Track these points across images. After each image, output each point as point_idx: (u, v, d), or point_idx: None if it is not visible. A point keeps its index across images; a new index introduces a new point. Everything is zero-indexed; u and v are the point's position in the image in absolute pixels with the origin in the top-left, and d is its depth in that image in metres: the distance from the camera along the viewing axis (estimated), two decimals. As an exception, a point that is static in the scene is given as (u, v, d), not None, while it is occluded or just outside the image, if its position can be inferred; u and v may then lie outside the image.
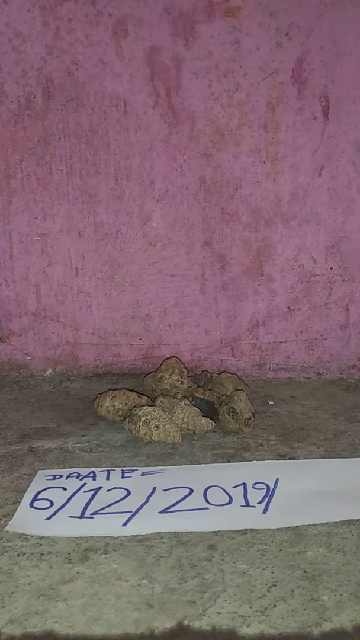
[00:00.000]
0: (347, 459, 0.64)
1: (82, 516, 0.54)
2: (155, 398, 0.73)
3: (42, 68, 0.82)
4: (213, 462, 0.64)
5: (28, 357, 0.90)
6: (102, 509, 0.55)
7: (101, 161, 0.84)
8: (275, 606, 0.43)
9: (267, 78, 0.82)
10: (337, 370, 0.89)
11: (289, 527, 0.52)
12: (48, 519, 0.54)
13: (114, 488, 0.58)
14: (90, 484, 0.59)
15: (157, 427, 0.67)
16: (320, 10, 0.80)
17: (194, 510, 0.55)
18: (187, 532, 0.51)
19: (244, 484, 0.59)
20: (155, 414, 0.67)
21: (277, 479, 0.59)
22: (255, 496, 0.57)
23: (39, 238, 0.86)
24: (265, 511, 0.54)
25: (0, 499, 0.57)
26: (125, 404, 0.72)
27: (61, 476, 0.61)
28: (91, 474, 0.61)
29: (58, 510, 0.55)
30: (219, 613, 0.42)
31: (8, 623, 0.42)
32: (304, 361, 0.89)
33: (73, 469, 0.62)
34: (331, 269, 0.86)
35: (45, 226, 0.86)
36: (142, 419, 0.67)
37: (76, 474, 0.61)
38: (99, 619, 0.42)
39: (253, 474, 0.61)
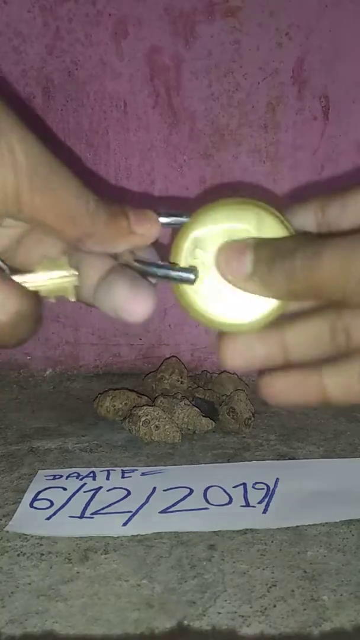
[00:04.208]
0: (347, 459, 0.64)
1: (82, 516, 0.54)
2: (155, 398, 0.73)
3: (42, 68, 0.82)
4: (213, 462, 0.64)
5: (28, 357, 0.90)
6: (102, 509, 0.55)
7: (101, 161, 0.84)
8: (275, 606, 0.43)
9: (267, 78, 0.82)
10: (337, 370, 0.89)
11: (289, 527, 0.52)
12: (48, 519, 0.54)
13: (114, 488, 0.58)
14: (90, 484, 0.59)
15: (157, 427, 0.67)
16: (320, 10, 0.80)
17: (194, 510, 0.55)
18: (187, 532, 0.51)
19: (244, 484, 0.59)
20: (155, 414, 0.67)
21: (277, 479, 0.59)
22: (255, 496, 0.57)
23: (39, 238, 0.86)
24: (265, 511, 0.54)
25: (0, 499, 0.57)
26: (125, 404, 0.72)
27: (61, 476, 0.61)
28: (91, 474, 0.61)
29: (58, 510, 0.55)
30: (219, 613, 0.42)
31: (8, 623, 0.42)
32: (304, 361, 0.89)
33: (73, 469, 0.62)
34: (331, 269, 0.86)
35: (45, 226, 0.85)
36: (142, 419, 0.67)
37: (76, 474, 0.61)
38: (99, 619, 0.42)
39: (253, 474, 0.61)
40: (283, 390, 0.31)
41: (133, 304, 0.29)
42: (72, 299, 0.31)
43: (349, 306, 0.29)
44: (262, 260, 0.30)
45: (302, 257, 0.28)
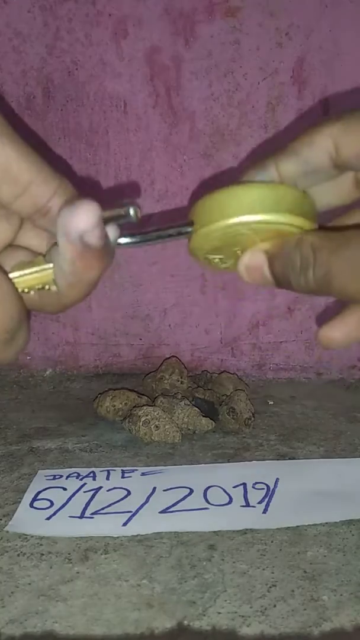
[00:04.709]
0: (347, 459, 0.64)
1: (82, 516, 0.54)
2: (155, 398, 0.73)
3: (42, 68, 0.82)
4: (213, 462, 0.64)
5: (28, 357, 0.90)
6: (102, 509, 0.55)
7: (101, 161, 0.84)
8: (275, 606, 0.43)
9: (267, 78, 0.82)
10: (337, 371, 0.89)
11: (289, 527, 0.52)
12: (48, 519, 0.54)
13: (114, 488, 0.58)
14: (90, 484, 0.59)
15: (157, 427, 0.67)
16: (320, 10, 0.80)
17: (194, 510, 0.55)
18: (187, 532, 0.51)
19: (244, 484, 0.59)
20: (155, 414, 0.67)
21: (277, 479, 0.59)
22: (255, 496, 0.57)
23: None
24: (265, 511, 0.54)
25: (0, 499, 0.57)
26: (125, 404, 0.72)
27: (61, 476, 0.61)
28: (91, 474, 0.61)
29: (58, 510, 0.55)
30: (219, 613, 0.42)
31: (8, 623, 0.42)
32: (304, 361, 0.89)
33: (73, 469, 0.62)
34: (331, 269, 0.86)
35: (45, 226, 0.85)
36: (142, 419, 0.67)
37: (76, 474, 0.61)
38: (99, 619, 0.42)
39: (253, 474, 0.61)
40: (342, 333, 0.34)
41: (76, 214, 0.30)
42: (54, 289, 0.32)
43: None
44: (278, 276, 0.33)
45: (313, 275, 0.31)
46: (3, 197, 0.31)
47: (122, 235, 0.32)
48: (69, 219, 0.30)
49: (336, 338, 0.34)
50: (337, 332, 0.34)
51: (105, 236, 0.31)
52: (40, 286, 0.32)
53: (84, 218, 0.30)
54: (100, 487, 0.59)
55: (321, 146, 0.33)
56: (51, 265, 0.32)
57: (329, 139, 0.32)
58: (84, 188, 0.33)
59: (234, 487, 0.58)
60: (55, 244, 0.32)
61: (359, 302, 0.32)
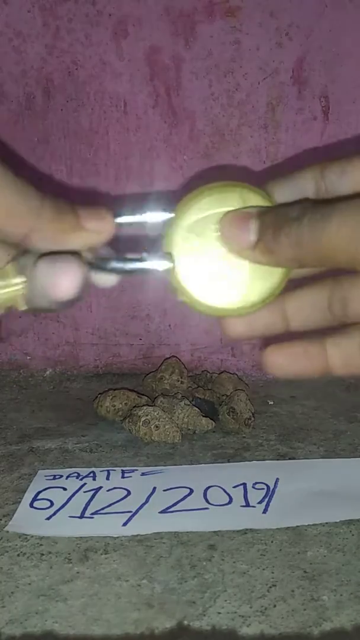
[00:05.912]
0: (347, 459, 0.64)
1: (82, 516, 0.54)
2: (155, 398, 0.73)
3: (42, 68, 0.82)
4: (213, 462, 0.64)
5: (28, 357, 0.90)
6: (102, 509, 0.55)
7: (101, 161, 0.84)
8: (275, 606, 0.43)
9: (267, 78, 0.82)
10: (337, 370, 0.89)
11: (289, 527, 0.52)
12: (48, 519, 0.54)
13: (114, 488, 0.58)
14: (90, 484, 0.59)
15: (157, 427, 0.67)
16: (320, 10, 0.80)
17: (194, 510, 0.55)
18: (187, 532, 0.51)
19: (244, 484, 0.59)
20: (155, 414, 0.67)
21: (277, 479, 0.59)
22: (255, 496, 0.57)
23: (39, 238, 0.86)
24: (265, 511, 0.54)
25: (0, 499, 0.57)
26: (125, 404, 0.72)
27: (61, 476, 0.61)
28: (91, 474, 0.61)
29: (58, 510, 0.55)
30: (219, 613, 0.42)
31: (8, 623, 0.42)
32: (304, 361, 0.89)
33: (73, 469, 0.62)
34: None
35: (45, 226, 0.85)
36: (142, 419, 0.67)
37: (76, 474, 0.61)
38: (99, 619, 0.42)
39: (253, 474, 0.61)
40: (286, 360, 0.31)
41: (58, 278, 0.28)
42: (23, 308, 0.29)
43: (356, 272, 0.28)
44: (267, 227, 0.29)
45: (309, 222, 0.27)
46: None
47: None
48: (48, 280, 0.28)
49: (279, 363, 0.31)
50: (281, 357, 0.31)
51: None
52: (9, 303, 0.29)
53: (65, 286, 0.28)
54: (100, 487, 0.59)
55: (311, 174, 0.32)
56: (23, 279, 0.29)
57: (318, 169, 0.32)
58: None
59: (234, 487, 0.58)
60: (27, 251, 0.29)
61: (351, 263, 0.28)
